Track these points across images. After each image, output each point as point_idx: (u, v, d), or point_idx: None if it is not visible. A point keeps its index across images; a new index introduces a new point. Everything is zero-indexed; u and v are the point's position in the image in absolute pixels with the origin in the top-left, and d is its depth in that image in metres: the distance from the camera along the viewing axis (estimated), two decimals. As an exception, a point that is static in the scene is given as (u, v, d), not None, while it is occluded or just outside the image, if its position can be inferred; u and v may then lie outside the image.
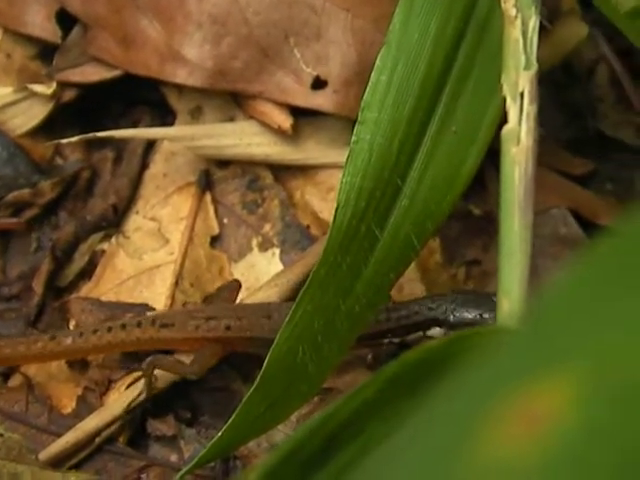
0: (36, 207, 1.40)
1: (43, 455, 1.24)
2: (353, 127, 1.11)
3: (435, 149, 1.11)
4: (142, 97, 1.46)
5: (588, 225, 1.37)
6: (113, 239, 1.39)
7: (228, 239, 1.39)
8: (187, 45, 1.38)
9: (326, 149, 1.40)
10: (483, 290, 1.33)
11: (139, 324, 1.27)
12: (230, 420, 1.07)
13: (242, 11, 1.38)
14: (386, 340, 1.27)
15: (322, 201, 1.39)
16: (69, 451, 1.25)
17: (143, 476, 1.25)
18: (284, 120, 1.38)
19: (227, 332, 1.26)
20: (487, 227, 1.37)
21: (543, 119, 1.37)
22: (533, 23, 0.98)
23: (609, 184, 1.44)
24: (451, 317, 1.25)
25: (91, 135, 1.37)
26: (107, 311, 1.34)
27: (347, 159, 1.09)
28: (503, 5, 0.99)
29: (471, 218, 1.39)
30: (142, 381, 1.27)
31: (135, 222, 1.40)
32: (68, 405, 1.29)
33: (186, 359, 1.27)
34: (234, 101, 1.42)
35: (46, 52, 1.46)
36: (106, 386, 1.30)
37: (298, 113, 1.39)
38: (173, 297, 1.35)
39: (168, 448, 1.27)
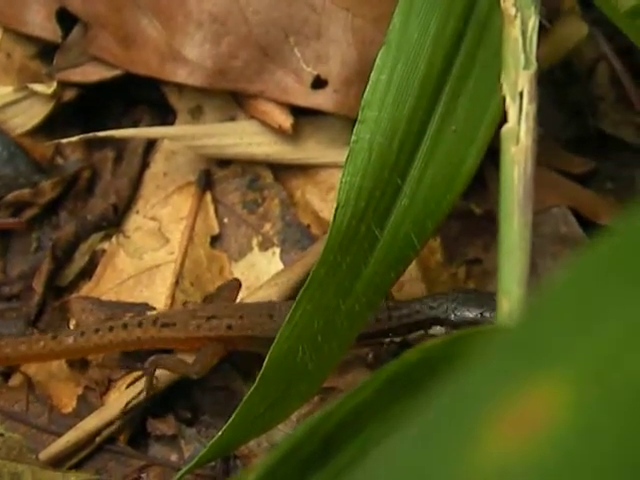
0: (36, 207, 1.40)
1: (43, 455, 1.24)
2: (353, 126, 1.11)
3: (435, 148, 1.11)
4: (142, 96, 1.46)
5: (588, 224, 1.37)
6: (113, 239, 1.39)
7: (228, 238, 1.39)
8: (187, 44, 1.38)
9: (326, 148, 1.40)
10: (484, 289, 1.33)
11: (140, 324, 1.27)
12: (230, 419, 1.07)
13: (242, 10, 1.38)
14: (387, 339, 1.27)
15: (322, 200, 1.39)
16: (69, 450, 1.25)
17: (143, 475, 1.25)
18: (284, 119, 1.38)
19: (229, 331, 1.26)
20: (488, 226, 1.37)
21: (543, 118, 1.37)
22: (532, 22, 0.98)
23: (609, 183, 1.44)
24: (452, 316, 1.25)
25: (91, 135, 1.37)
26: (107, 311, 1.34)
27: (347, 158, 1.09)
28: (502, 4, 0.99)
29: (472, 217, 1.39)
30: (142, 380, 1.27)
31: (135, 222, 1.40)
32: (68, 404, 1.29)
33: (188, 359, 1.27)
34: (234, 100, 1.42)
35: (46, 51, 1.46)
36: (106, 386, 1.30)
37: (298, 112, 1.39)
38: (173, 297, 1.35)
39: (168, 447, 1.27)
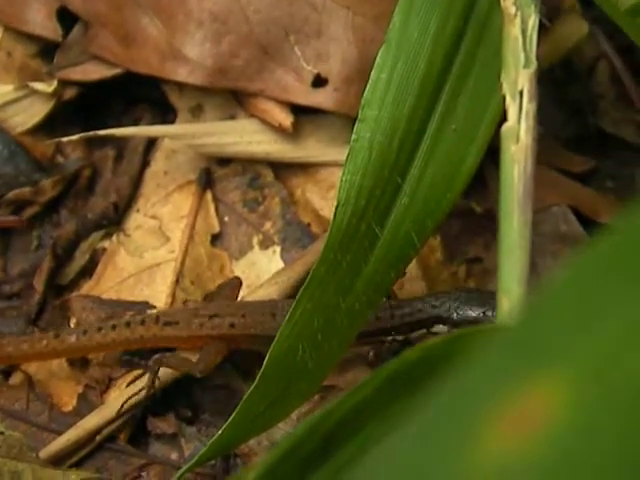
0: (37, 205, 1.40)
1: (44, 453, 1.24)
2: (353, 125, 1.11)
3: (435, 147, 1.11)
4: (143, 95, 1.46)
5: (589, 223, 1.37)
6: (114, 237, 1.39)
7: (229, 237, 1.40)
8: (188, 43, 1.38)
9: (327, 147, 1.40)
10: (484, 288, 1.33)
11: (143, 322, 1.27)
12: (230, 418, 1.07)
13: (243, 9, 1.38)
14: (390, 338, 1.27)
15: (323, 199, 1.39)
16: (70, 449, 1.25)
17: (144, 474, 1.25)
18: (285, 118, 1.38)
19: (231, 330, 1.26)
20: (488, 225, 1.36)
21: (544, 117, 1.37)
22: (532, 21, 0.98)
23: (610, 182, 1.44)
24: (455, 315, 1.25)
25: (92, 133, 1.37)
26: (108, 309, 1.34)
27: (347, 157, 1.09)
28: (502, 3, 0.99)
29: (472, 216, 1.39)
30: (143, 379, 1.27)
31: (136, 220, 1.40)
32: (69, 403, 1.29)
33: (191, 357, 1.27)
34: (235, 99, 1.42)
35: (47, 50, 1.46)
36: (107, 384, 1.30)
37: (299, 111, 1.39)
38: (174, 295, 1.35)
39: (168, 446, 1.27)
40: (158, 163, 1.43)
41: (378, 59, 1.11)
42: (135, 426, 1.28)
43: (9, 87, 1.44)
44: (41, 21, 1.44)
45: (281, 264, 1.36)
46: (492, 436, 0.45)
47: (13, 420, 1.27)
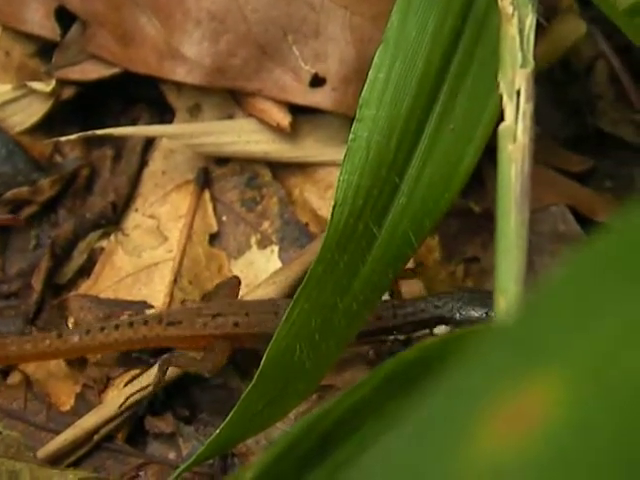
0: (35, 205, 1.40)
1: (41, 452, 1.24)
2: (351, 125, 1.11)
3: (433, 147, 1.11)
4: (141, 95, 1.46)
5: (587, 223, 1.37)
6: (112, 237, 1.39)
7: (227, 237, 1.40)
8: (186, 43, 1.38)
9: (324, 147, 1.40)
10: (482, 288, 1.33)
11: (146, 322, 1.26)
12: (228, 418, 1.07)
13: (241, 9, 1.38)
14: (391, 337, 1.27)
15: (320, 199, 1.39)
16: (67, 448, 1.25)
17: (141, 473, 1.25)
18: (283, 118, 1.38)
19: (235, 329, 1.26)
20: (486, 225, 1.36)
21: (542, 116, 1.37)
22: (530, 21, 0.98)
23: (608, 181, 1.44)
24: (457, 315, 1.25)
25: (90, 133, 1.37)
26: (106, 309, 1.34)
27: (345, 157, 1.09)
28: (500, 3, 0.99)
29: (470, 215, 1.39)
30: (140, 379, 1.27)
31: (134, 220, 1.40)
32: (67, 402, 1.29)
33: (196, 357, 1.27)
34: (233, 99, 1.42)
35: (45, 50, 1.46)
36: (105, 384, 1.30)
37: (297, 111, 1.39)
38: (172, 295, 1.35)
39: (166, 445, 1.27)
40: (156, 163, 1.43)
41: (376, 59, 1.11)
42: (133, 426, 1.28)
43: (7, 87, 1.44)
44: (39, 20, 1.44)
45: (279, 264, 1.36)
46: (487, 434, 0.45)
47: (11, 420, 1.27)
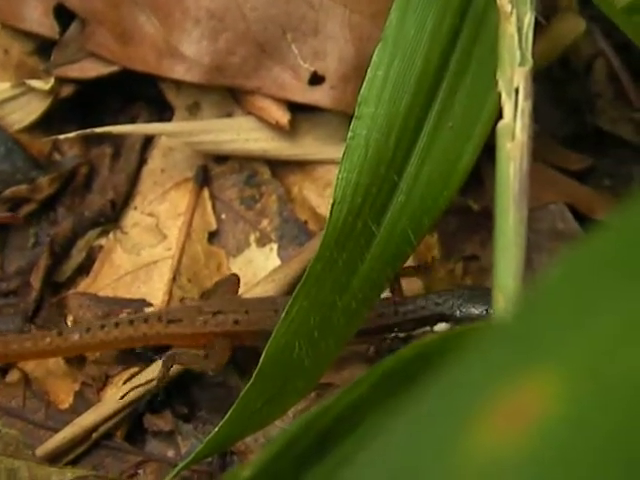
0: (34, 203, 1.40)
1: (40, 450, 1.24)
2: (350, 123, 1.11)
3: (432, 145, 1.11)
4: (140, 93, 1.46)
5: (585, 221, 1.37)
6: (111, 235, 1.39)
7: (226, 235, 1.40)
8: (185, 41, 1.38)
9: (323, 145, 1.40)
10: (481, 285, 1.33)
11: (146, 320, 1.26)
12: (227, 415, 1.07)
13: (240, 7, 1.38)
14: (392, 334, 1.27)
15: (319, 197, 1.39)
16: (66, 446, 1.25)
17: (140, 471, 1.25)
18: (282, 116, 1.38)
19: (235, 326, 1.26)
20: (485, 222, 1.36)
21: (541, 115, 1.37)
22: (528, 19, 0.98)
23: (607, 180, 1.44)
24: (458, 312, 1.25)
25: (89, 131, 1.37)
26: (105, 307, 1.34)
27: (343, 155, 1.09)
28: (498, 1, 0.99)
29: (469, 213, 1.39)
30: (139, 377, 1.27)
31: (133, 218, 1.40)
32: (65, 400, 1.29)
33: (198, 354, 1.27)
34: (232, 97, 1.42)
35: (44, 48, 1.46)
36: (103, 382, 1.30)
37: (296, 109, 1.39)
38: (171, 293, 1.35)
39: (165, 443, 1.27)
40: (155, 161, 1.43)
41: (375, 57, 1.11)
42: (132, 423, 1.28)
43: (6, 84, 1.44)
44: (38, 18, 1.44)
45: (278, 262, 1.36)
46: (485, 429, 0.45)
47: (10, 418, 1.27)
